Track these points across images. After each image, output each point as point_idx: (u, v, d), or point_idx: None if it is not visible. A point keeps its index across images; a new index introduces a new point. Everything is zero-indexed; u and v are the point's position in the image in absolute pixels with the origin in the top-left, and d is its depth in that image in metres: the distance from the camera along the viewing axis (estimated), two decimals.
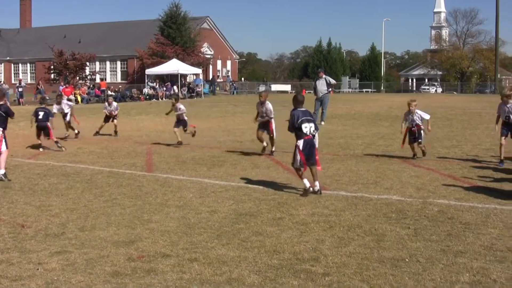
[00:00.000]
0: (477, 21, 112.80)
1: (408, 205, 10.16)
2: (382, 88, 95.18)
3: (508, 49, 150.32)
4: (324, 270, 6.85)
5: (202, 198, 10.88)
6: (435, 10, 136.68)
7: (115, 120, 23.05)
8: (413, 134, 14.91)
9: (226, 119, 31.16)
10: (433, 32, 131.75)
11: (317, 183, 11.04)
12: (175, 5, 71.68)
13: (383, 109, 38.09)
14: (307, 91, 70.96)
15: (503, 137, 14.29)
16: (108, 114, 23.13)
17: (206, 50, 78.36)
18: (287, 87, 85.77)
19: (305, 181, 10.99)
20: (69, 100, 29.31)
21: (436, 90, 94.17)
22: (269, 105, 16.27)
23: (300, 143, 11.01)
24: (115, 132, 22.82)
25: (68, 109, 21.62)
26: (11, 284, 6.47)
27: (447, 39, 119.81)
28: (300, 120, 11.01)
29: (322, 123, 26.09)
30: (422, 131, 15.10)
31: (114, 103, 23.96)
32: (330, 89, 29.20)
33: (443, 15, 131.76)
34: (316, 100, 27.52)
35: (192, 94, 60.88)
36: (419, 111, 15.11)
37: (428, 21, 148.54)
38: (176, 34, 69.08)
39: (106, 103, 23.97)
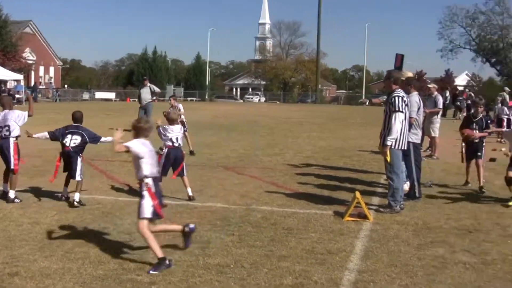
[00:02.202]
0: (300, 33, 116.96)
1: (232, 212, 10.34)
2: (206, 97, 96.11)
3: (329, 61, 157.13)
4: (150, 279, 6.83)
5: (23, 209, 10.48)
6: (260, 21, 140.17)
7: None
8: None
9: (49, 127, 30.09)
10: (257, 42, 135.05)
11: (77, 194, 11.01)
12: None
13: (207, 117, 38.41)
14: (131, 99, 70.44)
15: None
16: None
17: (28, 55, 75.50)
18: (112, 95, 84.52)
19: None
20: None
21: (259, 100, 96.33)
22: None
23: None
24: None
25: None
26: None
27: (271, 50, 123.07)
28: (63, 133, 11.23)
29: None
30: None
31: (179, 104, 19.27)
32: (154, 98, 29.15)
33: (267, 27, 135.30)
34: (140, 108, 27.39)
35: (13, 101, 58.52)
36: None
37: (253, 32, 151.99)
38: None
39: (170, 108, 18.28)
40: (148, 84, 27.83)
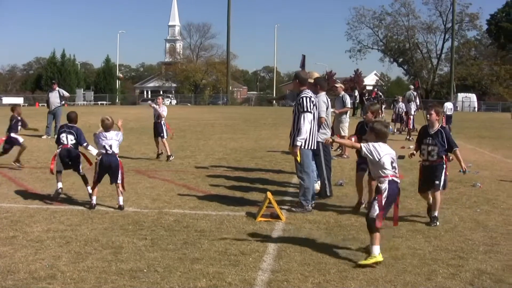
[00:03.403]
0: (209, 35, 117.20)
1: (144, 216, 10.26)
2: (117, 100, 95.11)
3: (239, 62, 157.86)
4: (61, 287, 6.71)
5: None
6: (170, 23, 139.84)
7: (164, 138, 18.28)
8: None
9: None
10: (167, 45, 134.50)
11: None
12: None
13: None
14: (40, 104, 68.98)
15: None
16: (156, 118, 18.43)
17: None
18: (20, 100, 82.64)
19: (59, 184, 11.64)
20: None
21: (170, 102, 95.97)
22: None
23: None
24: (168, 156, 18.07)
25: None
26: None
27: (181, 52, 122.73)
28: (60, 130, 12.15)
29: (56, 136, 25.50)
30: None
31: (164, 107, 18.81)
32: (64, 102, 28.68)
33: (177, 29, 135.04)
34: (48, 114, 26.90)
35: None
36: None
37: (163, 34, 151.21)
38: None
39: (154, 103, 18.77)
40: (57, 89, 27.36)
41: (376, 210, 7.78)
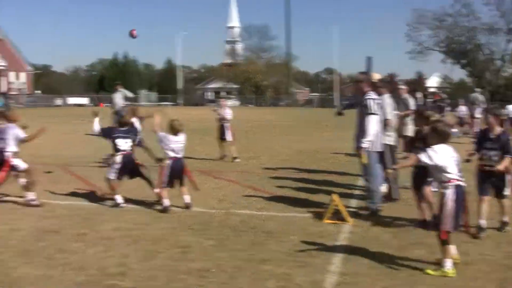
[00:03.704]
0: (269, 37, 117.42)
1: (211, 217, 10.34)
2: (180, 101, 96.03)
3: (300, 63, 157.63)
4: (133, 284, 6.82)
5: (1, 215, 10.38)
6: (229, 25, 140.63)
7: (227, 141, 18.72)
8: None
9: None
10: (228, 46, 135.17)
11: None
12: None
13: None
14: (104, 105, 70.08)
15: None
16: (220, 121, 18.94)
17: None
18: (84, 100, 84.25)
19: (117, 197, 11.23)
20: None
21: (233, 103, 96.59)
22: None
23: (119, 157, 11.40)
24: (233, 157, 18.45)
25: None
26: None
27: (241, 53, 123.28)
28: (115, 135, 11.53)
29: None
30: None
31: (228, 109, 19.37)
32: (128, 102, 29.14)
33: (237, 30, 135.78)
34: (113, 113, 27.33)
35: None
36: None
37: (224, 35, 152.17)
38: None
39: (217, 106, 19.28)
40: (121, 89, 27.82)
41: (443, 222, 7.35)
